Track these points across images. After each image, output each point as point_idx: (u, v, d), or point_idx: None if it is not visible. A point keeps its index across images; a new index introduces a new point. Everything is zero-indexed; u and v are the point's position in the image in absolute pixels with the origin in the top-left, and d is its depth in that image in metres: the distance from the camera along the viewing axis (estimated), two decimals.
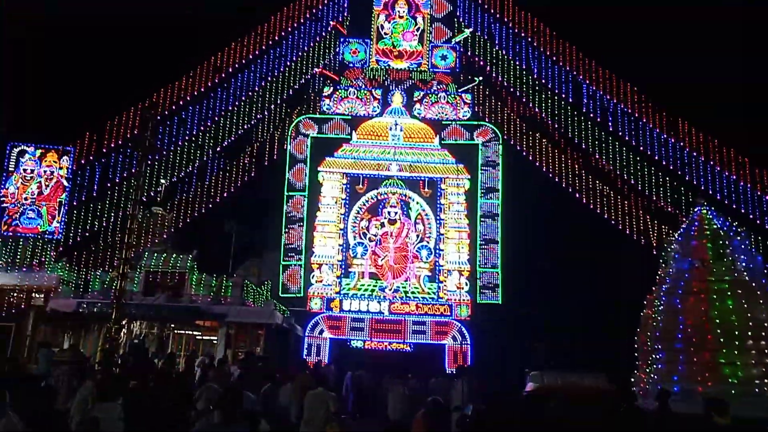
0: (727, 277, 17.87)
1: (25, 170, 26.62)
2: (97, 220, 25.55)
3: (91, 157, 26.42)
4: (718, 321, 17.05)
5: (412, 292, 25.83)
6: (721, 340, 16.85)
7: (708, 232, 18.66)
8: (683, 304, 17.75)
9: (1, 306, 23.75)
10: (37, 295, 24.24)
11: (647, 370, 17.91)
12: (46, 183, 26.71)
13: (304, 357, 24.24)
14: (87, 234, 25.39)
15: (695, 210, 19.56)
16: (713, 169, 25.91)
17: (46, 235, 25.84)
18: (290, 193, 26.77)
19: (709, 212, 19.28)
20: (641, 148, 26.63)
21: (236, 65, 28.35)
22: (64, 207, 26.27)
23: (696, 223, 19.07)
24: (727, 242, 18.50)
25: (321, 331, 25.35)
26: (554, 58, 28.25)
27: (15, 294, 24.03)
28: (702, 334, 17.06)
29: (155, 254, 25.03)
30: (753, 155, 26.00)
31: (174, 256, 24.90)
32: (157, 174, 26.71)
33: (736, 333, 16.88)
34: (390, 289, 25.82)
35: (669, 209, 25.78)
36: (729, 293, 17.50)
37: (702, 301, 17.53)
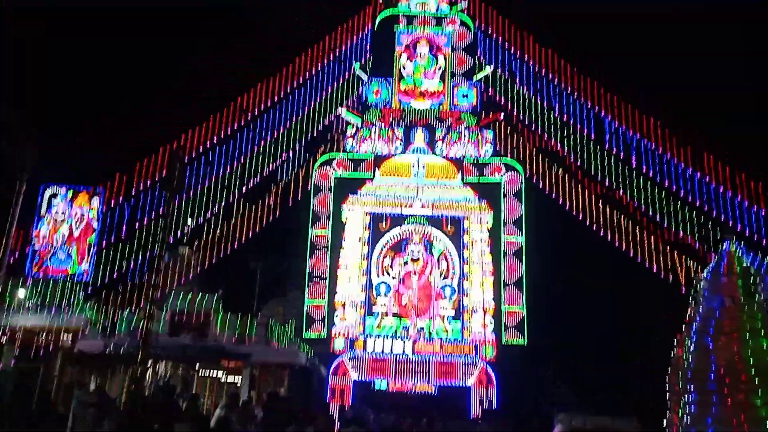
0: (760, 316, 17.46)
1: (56, 212, 27.23)
2: (125, 260, 25.94)
3: (120, 198, 26.97)
4: (752, 360, 16.62)
5: (437, 332, 25.61)
6: (756, 380, 16.39)
7: (738, 269, 18.30)
8: (715, 343, 17.32)
9: (30, 347, 24.07)
10: (65, 337, 24.54)
11: (679, 413, 17.43)
12: (77, 224, 27.27)
13: (328, 401, 24.04)
14: (115, 275, 25.78)
15: (723, 246, 19.22)
16: (741, 204, 25.53)
17: (76, 277, 26.29)
18: (315, 231, 26.86)
19: (738, 248, 18.93)
20: (666, 183, 26.40)
21: (262, 106, 28.95)
22: (94, 248, 26.76)
23: (725, 260, 18.70)
24: (758, 279, 18.11)
25: (344, 372, 25.17)
26: (576, 95, 28.35)
27: (44, 335, 24.35)
28: (735, 375, 16.61)
29: (181, 294, 25.28)
30: None
31: (200, 296, 25.12)
32: (184, 214, 27.15)
33: None
34: (414, 329, 25.64)
35: (696, 245, 25.38)
36: (762, 332, 17.08)
37: (734, 340, 17.11)
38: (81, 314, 24.99)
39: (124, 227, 26.69)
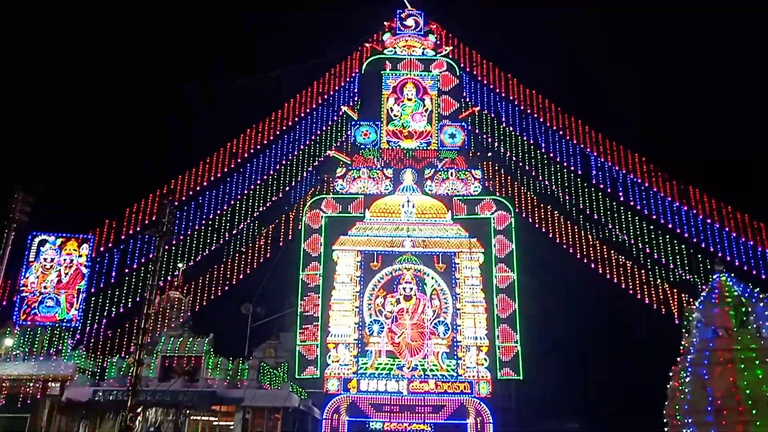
0: (753, 345, 17.51)
1: (45, 259, 27.11)
2: (115, 306, 25.69)
3: (110, 244, 26.84)
4: (748, 391, 16.58)
5: (431, 370, 25.34)
6: (754, 411, 16.33)
7: (729, 299, 18.41)
8: (710, 374, 17.29)
9: (17, 397, 23.61)
10: (53, 385, 24.15)
11: None
12: (66, 271, 27.13)
13: None
14: (105, 320, 25.48)
15: (714, 277, 19.37)
16: (729, 235, 25.79)
17: (64, 323, 26.00)
18: (306, 272, 26.73)
19: (729, 279, 19.07)
20: (654, 217, 26.69)
21: (251, 150, 29.21)
22: (83, 294, 26.53)
23: (716, 291, 18.84)
24: (749, 309, 18.21)
25: (339, 413, 24.76)
26: (561, 132, 28.86)
27: (31, 384, 23.93)
28: (733, 406, 16.54)
29: (172, 338, 25.02)
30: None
31: (190, 340, 24.86)
32: (174, 258, 27.04)
33: None
34: (408, 368, 25.36)
35: (687, 277, 25.54)
36: (757, 362, 17.08)
37: (729, 371, 17.09)
38: (69, 361, 24.64)
39: (113, 273, 26.49)
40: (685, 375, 18.02)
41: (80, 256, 27.48)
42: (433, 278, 26.72)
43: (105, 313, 25.64)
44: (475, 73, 31.28)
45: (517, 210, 27.92)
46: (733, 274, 19.59)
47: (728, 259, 25.14)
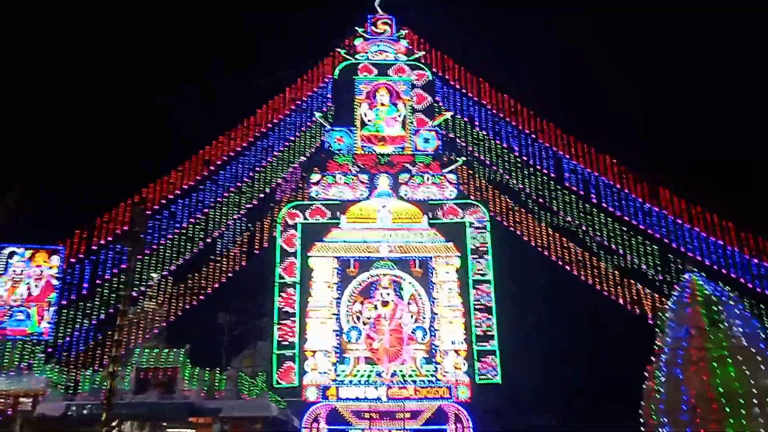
0: (725, 344, 17.90)
1: (14, 272, 26.53)
2: (87, 318, 25.23)
3: (80, 255, 26.36)
4: (721, 389, 16.95)
5: (410, 376, 25.33)
6: (727, 409, 16.69)
7: (700, 299, 18.80)
8: (684, 374, 17.64)
9: None
10: (24, 400, 23.65)
11: None
12: (36, 283, 26.58)
13: None
14: (77, 333, 25.02)
15: (685, 277, 19.76)
16: (699, 236, 26.33)
17: (35, 337, 25.46)
18: (282, 280, 26.53)
19: (700, 278, 19.48)
20: (625, 218, 27.14)
21: (224, 158, 28.96)
22: (54, 307, 26.01)
23: (687, 290, 19.24)
24: (720, 308, 18.62)
25: (318, 422, 24.63)
26: (533, 136, 29.20)
27: (2, 400, 23.41)
28: (707, 404, 16.90)
29: (147, 350, 24.69)
30: (736, 219, 26.54)
31: (166, 351, 24.56)
32: (147, 268, 26.66)
33: (741, 401, 16.73)
34: (387, 374, 25.31)
35: (659, 277, 26.01)
36: (729, 360, 17.46)
37: (703, 369, 17.46)
38: (41, 376, 24.16)
39: (85, 284, 26.00)
40: (660, 375, 18.34)
41: (50, 267, 26.94)
42: (410, 283, 26.71)
43: (77, 326, 25.19)
44: (447, 77, 31.46)
45: (492, 213, 28.14)
46: (704, 274, 20.03)
47: (699, 258, 25.65)
